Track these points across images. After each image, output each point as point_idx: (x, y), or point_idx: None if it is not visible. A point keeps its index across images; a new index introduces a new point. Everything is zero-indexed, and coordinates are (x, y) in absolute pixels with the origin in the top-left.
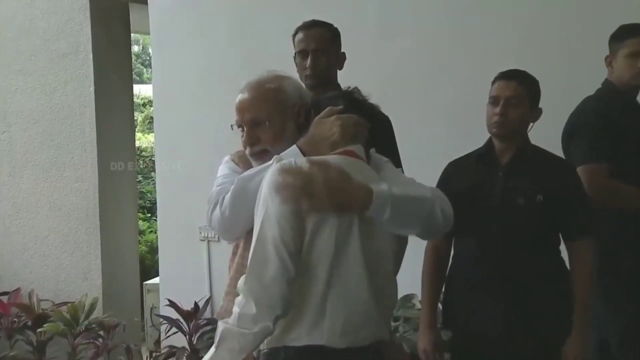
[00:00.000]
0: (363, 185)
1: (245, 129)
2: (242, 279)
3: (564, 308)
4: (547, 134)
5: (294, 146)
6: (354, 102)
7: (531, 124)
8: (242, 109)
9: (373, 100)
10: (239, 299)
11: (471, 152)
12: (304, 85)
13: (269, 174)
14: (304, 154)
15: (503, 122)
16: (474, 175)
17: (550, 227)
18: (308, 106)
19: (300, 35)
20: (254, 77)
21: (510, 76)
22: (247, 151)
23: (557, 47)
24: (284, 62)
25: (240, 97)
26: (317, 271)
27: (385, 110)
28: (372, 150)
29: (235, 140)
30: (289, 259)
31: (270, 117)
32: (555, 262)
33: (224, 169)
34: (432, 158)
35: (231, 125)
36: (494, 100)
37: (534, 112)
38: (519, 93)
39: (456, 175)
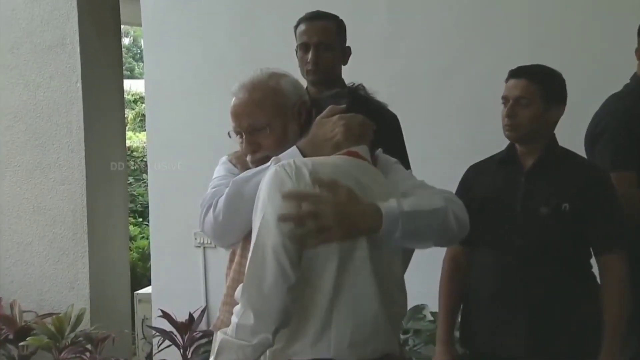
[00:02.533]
0: (372, 207)
1: (244, 136)
2: (240, 287)
3: (592, 329)
4: (567, 135)
5: (294, 147)
6: (358, 99)
7: (556, 122)
8: (238, 115)
9: (380, 99)
10: (237, 308)
11: (493, 155)
12: (300, 82)
13: (267, 176)
14: (304, 156)
15: (512, 124)
16: (495, 181)
17: (578, 239)
18: (308, 104)
19: (302, 27)
20: (247, 78)
21: (519, 74)
22: (249, 159)
23: (576, 42)
24: (284, 57)
25: (234, 101)
26: (321, 278)
27: (393, 110)
28: (379, 151)
29: (234, 139)
30: (290, 266)
31: (271, 121)
32: (584, 278)
33: (220, 170)
34: (442, 160)
35: (228, 133)
36: (504, 101)
37: (552, 111)
38: (529, 92)
39: (476, 180)
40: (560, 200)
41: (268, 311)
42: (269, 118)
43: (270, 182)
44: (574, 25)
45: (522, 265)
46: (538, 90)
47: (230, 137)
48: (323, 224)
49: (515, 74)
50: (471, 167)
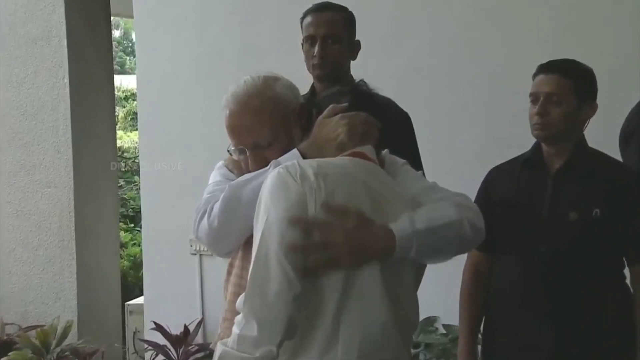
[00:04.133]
0: (384, 230)
1: (248, 152)
2: (242, 297)
3: (624, 342)
4: (595, 135)
5: (295, 149)
6: (361, 97)
7: (587, 121)
8: (238, 132)
9: (390, 95)
10: (238, 318)
11: (517, 156)
12: (293, 83)
13: (269, 179)
14: (305, 159)
15: (544, 123)
16: (519, 183)
17: (610, 247)
18: (305, 104)
19: (309, 19)
20: (239, 88)
21: (550, 69)
22: None
23: (598, 36)
24: (285, 51)
25: (231, 117)
26: (327, 287)
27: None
28: (386, 151)
29: (235, 156)
30: (295, 274)
31: (276, 134)
32: (616, 288)
33: (216, 175)
34: (452, 161)
35: (228, 150)
36: (533, 98)
37: (585, 109)
38: (561, 88)
39: (498, 184)
40: (591, 205)
41: (272, 322)
42: (273, 132)
43: (273, 184)
44: (598, 15)
45: (549, 273)
46: (571, 87)
47: (231, 154)
48: (333, 253)
49: (545, 68)
50: (493, 168)
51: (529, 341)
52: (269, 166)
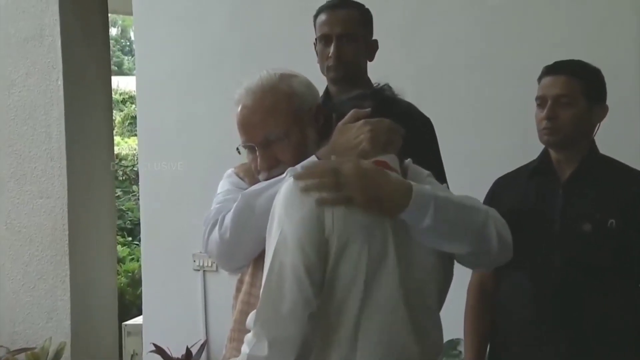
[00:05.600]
0: (401, 180)
1: (258, 150)
2: (253, 313)
3: None
4: (615, 140)
5: (313, 157)
6: (385, 102)
7: (597, 125)
8: (250, 126)
9: (407, 98)
10: (248, 336)
11: (524, 165)
12: (312, 82)
13: (283, 189)
14: None
15: (553, 127)
16: (528, 194)
17: (626, 260)
18: (324, 106)
19: (323, 17)
20: (253, 82)
21: (557, 70)
22: (264, 176)
23: (614, 37)
24: (292, 50)
25: (243, 111)
26: (344, 305)
27: None
28: (409, 161)
29: (244, 155)
30: (311, 290)
31: (288, 131)
32: (632, 305)
33: (225, 184)
34: (476, 170)
35: (237, 148)
36: (540, 102)
37: (596, 111)
38: (570, 89)
39: (505, 194)
40: (606, 216)
41: (285, 340)
42: (286, 127)
43: (287, 195)
44: (612, 20)
45: (562, 290)
46: (580, 88)
47: (239, 153)
48: (344, 180)
49: (552, 70)
50: (499, 179)
51: (540, 356)
52: (284, 174)
